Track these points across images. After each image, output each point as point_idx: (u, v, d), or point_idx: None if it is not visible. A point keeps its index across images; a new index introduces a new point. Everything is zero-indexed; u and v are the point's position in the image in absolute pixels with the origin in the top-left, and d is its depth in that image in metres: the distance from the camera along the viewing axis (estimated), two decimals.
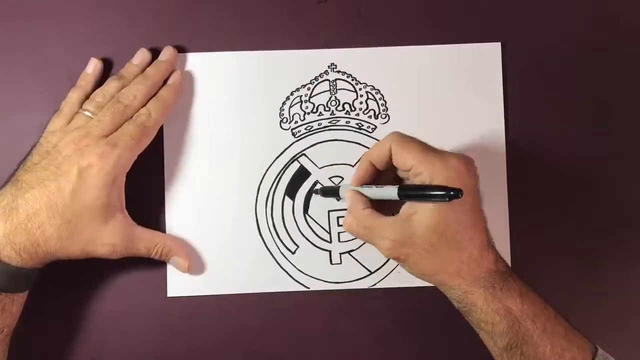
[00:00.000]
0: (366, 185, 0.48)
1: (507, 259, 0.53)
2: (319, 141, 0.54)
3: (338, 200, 0.52)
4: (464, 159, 0.44)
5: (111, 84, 0.50)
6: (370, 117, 0.54)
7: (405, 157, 0.44)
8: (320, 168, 0.54)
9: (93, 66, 0.52)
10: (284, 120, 0.54)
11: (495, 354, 0.45)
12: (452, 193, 0.40)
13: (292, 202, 0.54)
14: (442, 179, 0.42)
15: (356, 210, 0.46)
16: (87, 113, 0.49)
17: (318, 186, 0.53)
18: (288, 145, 0.54)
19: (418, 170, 0.44)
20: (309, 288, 0.53)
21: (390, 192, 0.44)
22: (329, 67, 0.54)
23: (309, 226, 0.53)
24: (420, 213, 0.43)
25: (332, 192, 0.52)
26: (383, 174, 0.48)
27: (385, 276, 0.53)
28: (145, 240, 0.49)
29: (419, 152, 0.44)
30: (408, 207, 0.44)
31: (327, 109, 0.54)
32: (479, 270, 0.44)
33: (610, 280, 0.54)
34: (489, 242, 0.45)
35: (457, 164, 0.43)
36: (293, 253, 0.53)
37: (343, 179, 0.54)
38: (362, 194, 0.47)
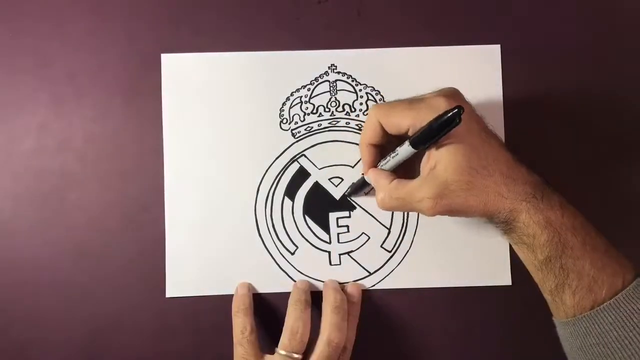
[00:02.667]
0: (381, 162, 0.48)
1: (507, 258, 0.53)
2: (319, 142, 0.54)
3: (367, 192, 0.53)
4: (448, 92, 0.45)
5: None
6: None
7: (396, 122, 0.45)
8: (320, 169, 0.54)
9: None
10: (284, 120, 0.54)
11: (535, 268, 0.45)
12: (453, 113, 0.40)
13: (291, 202, 0.54)
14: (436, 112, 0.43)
15: (383, 185, 0.47)
16: None
17: (345, 192, 0.53)
18: (288, 145, 0.54)
19: (414, 126, 0.44)
20: None
21: (404, 150, 0.45)
22: (329, 68, 0.54)
23: (309, 227, 0.53)
24: (441, 161, 0.43)
25: (359, 186, 0.52)
26: (385, 148, 0.48)
27: (385, 277, 0.53)
28: None
29: (405, 110, 0.45)
30: (427, 162, 0.45)
31: (327, 109, 0.54)
32: (517, 185, 0.43)
33: None
34: (513, 157, 0.45)
35: (444, 100, 0.44)
36: (292, 254, 0.53)
37: (343, 179, 0.54)
38: (383, 170, 0.48)
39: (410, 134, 0.45)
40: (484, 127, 0.45)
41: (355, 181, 0.53)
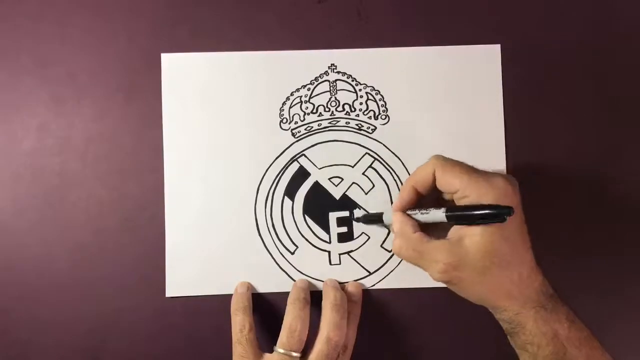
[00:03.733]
0: (410, 210, 0.48)
1: None
2: (319, 142, 0.54)
3: (381, 226, 0.53)
4: (510, 179, 0.44)
5: None
6: (370, 117, 0.54)
7: (450, 181, 0.44)
8: (320, 169, 0.54)
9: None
10: (284, 120, 0.54)
11: None
12: (502, 211, 0.40)
13: (291, 202, 0.54)
14: (489, 200, 0.42)
15: (406, 233, 0.46)
16: None
17: (356, 214, 0.53)
18: (288, 145, 0.54)
19: (465, 193, 0.44)
20: None
21: (437, 215, 0.45)
22: (329, 67, 0.54)
23: (309, 227, 0.53)
24: (470, 235, 0.43)
25: (374, 219, 0.52)
26: (424, 197, 0.48)
27: (385, 277, 0.53)
28: None
29: (464, 175, 0.44)
30: (457, 230, 0.44)
31: (327, 109, 0.54)
32: (529, 291, 0.44)
33: (611, 277, 0.54)
34: (536, 262, 0.45)
35: (503, 184, 0.43)
36: (292, 253, 0.53)
37: (343, 179, 0.54)
38: (411, 217, 0.47)
39: (455, 198, 0.45)
40: (524, 225, 0.45)
41: (372, 212, 0.53)
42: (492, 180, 0.43)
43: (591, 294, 0.54)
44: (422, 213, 0.46)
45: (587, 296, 0.54)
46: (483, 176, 0.44)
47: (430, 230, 0.46)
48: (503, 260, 0.43)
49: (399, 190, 0.53)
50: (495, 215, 0.41)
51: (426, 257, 0.45)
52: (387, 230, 0.53)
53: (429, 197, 0.48)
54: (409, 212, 0.47)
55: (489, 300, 0.45)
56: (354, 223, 0.53)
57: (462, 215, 0.43)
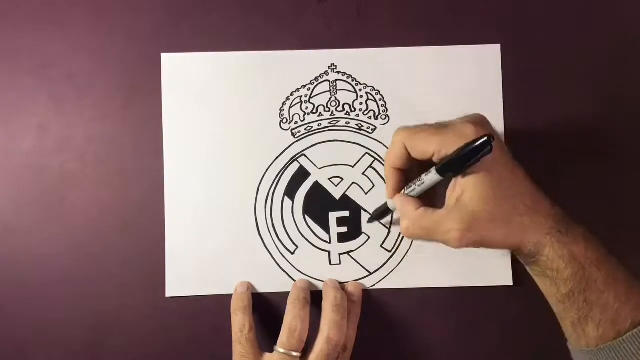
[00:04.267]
0: (406, 189, 0.48)
1: (508, 258, 0.53)
2: (319, 142, 0.54)
3: (392, 216, 0.53)
4: (475, 119, 0.45)
5: None
6: (370, 117, 0.54)
7: (422, 147, 0.45)
8: (320, 168, 0.54)
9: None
10: (284, 120, 0.54)
11: (557, 300, 0.45)
12: (483, 141, 0.40)
13: (291, 202, 0.54)
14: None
15: (409, 212, 0.46)
16: None
17: (367, 215, 0.53)
18: (288, 145, 0.54)
19: (440, 152, 0.44)
20: None
21: (430, 177, 0.45)
22: (329, 67, 0.54)
23: (309, 227, 0.53)
24: (467, 189, 0.43)
25: (382, 211, 0.52)
26: (411, 172, 0.48)
27: (385, 277, 0.53)
28: None
29: (431, 136, 0.44)
30: (453, 190, 0.45)
31: (327, 109, 0.54)
32: (540, 217, 0.44)
33: None
34: (537, 188, 0.45)
35: (472, 127, 0.44)
36: (292, 253, 0.53)
37: (343, 179, 0.54)
38: (409, 196, 0.47)
39: (435, 160, 0.45)
40: (510, 157, 0.45)
41: (378, 207, 0.52)
42: (460, 129, 0.44)
43: None
44: (418, 185, 0.46)
45: None
46: (451, 129, 0.44)
47: (437, 199, 0.47)
48: (504, 198, 0.43)
49: None
50: (481, 147, 0.41)
51: (437, 230, 0.45)
52: (387, 230, 0.53)
53: (417, 169, 0.48)
54: (406, 190, 0.48)
55: (511, 241, 0.44)
56: (352, 225, 0.53)
57: (450, 161, 0.43)
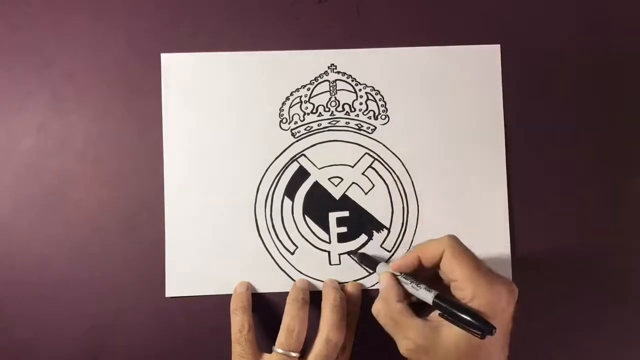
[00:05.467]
0: (404, 275, 0.48)
1: (508, 258, 0.53)
2: (319, 142, 0.54)
3: (371, 272, 0.53)
4: (510, 290, 0.44)
5: None
6: (370, 117, 0.54)
7: (454, 269, 0.44)
8: (319, 168, 0.54)
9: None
10: (284, 120, 0.54)
11: None
12: (485, 328, 0.40)
13: (291, 202, 0.54)
14: (484, 302, 0.42)
15: (389, 300, 0.47)
16: None
17: (359, 251, 0.53)
18: (287, 145, 0.54)
19: (463, 285, 0.44)
20: None
21: (425, 295, 0.45)
22: (328, 67, 0.54)
23: (308, 227, 0.53)
24: (449, 327, 0.43)
25: (370, 262, 0.51)
26: (424, 269, 0.48)
27: None
28: None
29: (469, 268, 0.44)
30: (439, 315, 0.44)
31: (326, 109, 0.54)
32: None
33: (612, 278, 0.54)
34: None
35: (502, 292, 0.43)
36: (292, 253, 0.53)
37: (342, 179, 0.54)
38: (398, 283, 0.48)
39: (453, 285, 0.45)
40: (506, 336, 0.44)
41: (374, 257, 0.52)
42: (493, 286, 0.43)
43: (593, 293, 0.54)
44: (412, 286, 0.46)
45: (589, 296, 0.54)
46: (487, 278, 0.43)
47: (414, 299, 0.47)
48: (476, 355, 0.43)
49: (398, 191, 0.53)
50: (478, 328, 0.41)
51: (401, 330, 0.45)
52: (387, 230, 0.53)
53: (430, 269, 0.48)
54: (402, 277, 0.48)
55: None
56: (352, 225, 0.53)
57: (447, 310, 0.43)
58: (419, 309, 0.47)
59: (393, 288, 0.47)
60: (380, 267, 0.50)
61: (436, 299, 0.44)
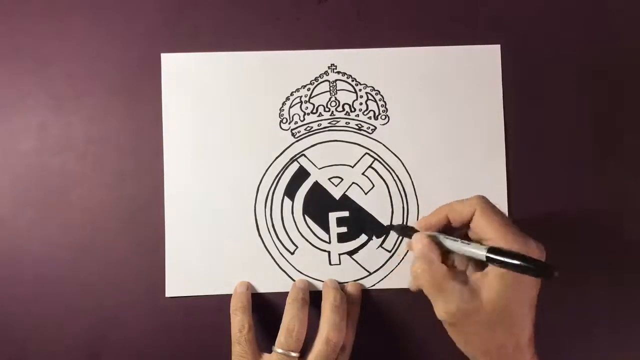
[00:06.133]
0: (447, 235, 0.47)
1: None
2: (319, 142, 0.54)
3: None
4: (541, 249, 0.44)
5: None
6: (370, 117, 0.54)
7: (486, 228, 0.44)
8: (319, 169, 0.54)
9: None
10: (284, 120, 0.54)
11: None
12: (547, 270, 0.40)
13: (291, 202, 0.54)
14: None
15: (432, 261, 0.46)
16: None
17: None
18: (288, 145, 0.54)
19: (497, 243, 0.43)
20: None
21: (477, 251, 0.44)
22: (329, 67, 0.54)
23: (308, 227, 0.53)
24: (489, 288, 0.43)
25: (408, 231, 0.50)
26: (451, 228, 0.48)
27: (385, 277, 0.53)
28: None
29: (501, 227, 0.44)
30: (477, 277, 0.44)
31: (327, 109, 0.54)
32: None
33: (612, 276, 0.54)
34: (533, 339, 0.45)
35: (536, 249, 0.43)
36: (292, 254, 0.53)
37: (343, 179, 0.54)
38: (437, 243, 0.47)
39: (486, 243, 0.44)
40: (537, 295, 0.45)
41: (410, 226, 0.51)
42: (526, 243, 0.43)
43: (592, 292, 0.54)
44: (462, 242, 0.45)
45: (589, 294, 0.54)
46: (519, 235, 0.43)
47: (451, 260, 0.47)
48: (510, 321, 0.43)
49: (398, 191, 0.53)
50: (538, 271, 0.40)
51: (443, 293, 0.44)
52: (386, 230, 0.53)
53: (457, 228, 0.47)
54: (445, 237, 0.47)
55: (476, 355, 0.45)
56: (352, 225, 0.53)
57: (504, 262, 0.42)
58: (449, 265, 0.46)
59: (433, 248, 0.46)
60: (416, 236, 0.48)
61: (490, 249, 0.43)
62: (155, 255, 0.53)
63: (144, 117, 0.54)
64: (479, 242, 0.45)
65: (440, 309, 0.45)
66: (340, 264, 0.53)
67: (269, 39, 0.54)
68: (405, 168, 0.54)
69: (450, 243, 0.46)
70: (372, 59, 0.54)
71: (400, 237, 0.53)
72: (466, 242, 0.45)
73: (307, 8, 0.54)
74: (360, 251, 0.53)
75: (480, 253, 0.43)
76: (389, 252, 0.53)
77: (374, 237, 0.53)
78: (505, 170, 0.54)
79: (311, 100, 0.54)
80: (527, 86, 0.54)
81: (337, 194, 0.54)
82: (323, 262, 0.53)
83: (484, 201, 0.46)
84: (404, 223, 0.53)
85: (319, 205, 0.54)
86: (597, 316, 0.54)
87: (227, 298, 0.52)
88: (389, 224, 0.53)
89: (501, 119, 0.54)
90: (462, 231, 0.48)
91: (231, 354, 0.49)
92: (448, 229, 0.48)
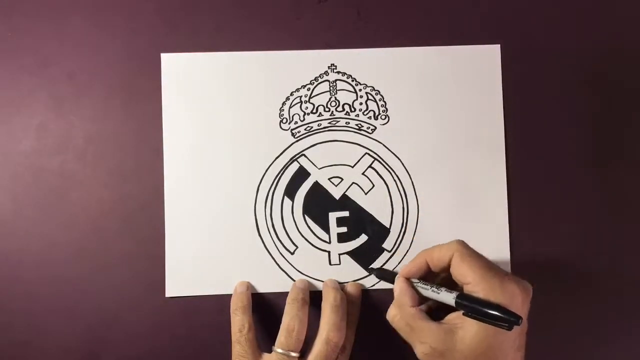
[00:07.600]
0: (421, 281, 0.48)
1: (507, 258, 0.53)
2: (319, 142, 0.54)
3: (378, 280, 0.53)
4: (523, 288, 0.44)
5: None
6: (370, 117, 0.54)
7: (465, 272, 0.44)
8: (319, 168, 0.54)
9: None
10: (284, 120, 0.54)
11: None
12: (512, 319, 0.40)
13: (291, 202, 0.54)
14: (498, 303, 0.42)
15: (403, 304, 0.47)
16: None
17: (374, 265, 0.53)
18: (288, 145, 0.54)
19: (475, 288, 0.43)
20: None
21: (446, 297, 0.45)
22: (329, 67, 0.54)
23: (308, 227, 0.53)
24: (466, 329, 0.43)
25: (388, 276, 0.51)
26: (432, 274, 0.48)
27: None
28: None
29: (480, 269, 0.44)
30: (455, 317, 0.44)
31: (326, 109, 0.54)
32: None
33: (611, 278, 0.54)
34: None
35: (516, 291, 0.43)
36: (292, 253, 0.53)
37: (342, 179, 0.54)
38: (412, 288, 0.47)
39: (465, 288, 0.44)
40: (522, 335, 0.45)
41: (391, 271, 0.52)
42: (505, 284, 0.43)
43: (592, 293, 0.54)
44: (432, 290, 0.46)
45: (589, 296, 0.54)
46: (498, 277, 0.43)
47: (428, 305, 0.48)
48: None
49: (398, 191, 0.53)
50: (504, 320, 0.41)
51: (416, 334, 0.45)
52: (387, 230, 0.53)
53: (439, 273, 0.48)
54: (419, 283, 0.48)
55: None
56: (352, 225, 0.53)
57: (472, 307, 0.43)
58: (431, 315, 0.46)
59: (407, 293, 0.47)
60: (397, 280, 0.50)
61: (458, 298, 0.44)
62: (155, 255, 0.53)
63: (143, 117, 0.54)
64: (459, 285, 0.46)
65: (416, 350, 0.45)
66: (340, 264, 0.53)
67: (269, 39, 0.54)
68: (405, 168, 0.54)
69: (422, 290, 0.47)
70: (372, 59, 0.54)
71: (400, 238, 0.53)
72: (436, 289, 0.46)
73: (307, 8, 0.54)
74: (360, 251, 0.53)
75: (449, 300, 0.44)
76: (389, 252, 0.53)
77: (374, 237, 0.53)
78: (505, 170, 0.54)
79: (311, 100, 0.54)
80: (527, 86, 0.54)
81: (337, 194, 0.54)
82: (323, 262, 0.53)
83: (463, 245, 0.46)
84: (382, 266, 0.53)
85: (319, 205, 0.54)
86: (597, 316, 0.54)
87: (227, 298, 0.52)
88: (369, 266, 0.53)
89: (501, 119, 0.54)
90: (444, 274, 0.48)
91: (231, 354, 0.49)
92: (429, 274, 0.48)
